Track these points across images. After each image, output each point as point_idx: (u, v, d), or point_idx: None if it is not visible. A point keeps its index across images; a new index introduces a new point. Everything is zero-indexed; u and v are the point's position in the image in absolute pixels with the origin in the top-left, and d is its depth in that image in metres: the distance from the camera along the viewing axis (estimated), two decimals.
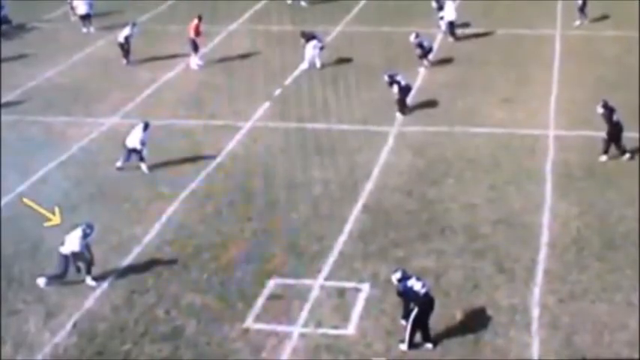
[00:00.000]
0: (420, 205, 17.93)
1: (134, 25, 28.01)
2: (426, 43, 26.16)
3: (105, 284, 15.49)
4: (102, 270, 15.80)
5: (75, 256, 15.30)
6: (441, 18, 29.31)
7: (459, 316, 14.20)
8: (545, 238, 16.48)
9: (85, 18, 31.49)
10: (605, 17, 30.14)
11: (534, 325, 13.94)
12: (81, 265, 15.46)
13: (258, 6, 33.99)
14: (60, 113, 23.83)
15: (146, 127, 19.91)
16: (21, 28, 32.48)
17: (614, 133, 19.38)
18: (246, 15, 32.88)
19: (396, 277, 13.52)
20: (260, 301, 14.82)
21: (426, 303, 13.33)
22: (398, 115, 22.42)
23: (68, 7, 33.13)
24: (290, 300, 14.84)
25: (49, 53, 29.11)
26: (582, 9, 29.56)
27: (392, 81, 22.49)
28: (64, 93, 25.47)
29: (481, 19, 30.59)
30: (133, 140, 19.78)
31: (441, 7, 29.38)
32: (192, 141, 21.67)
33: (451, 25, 28.55)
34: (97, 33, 31.20)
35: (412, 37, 26.32)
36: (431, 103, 23.34)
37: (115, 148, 20.78)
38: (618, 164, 19.40)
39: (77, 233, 15.33)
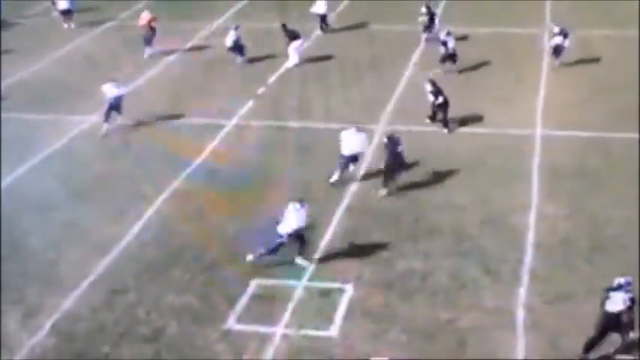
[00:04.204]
0: (406, 205, 17.77)
1: (236, 28, 26.75)
2: (450, 45, 24.95)
3: (84, 284, 15.21)
4: (81, 270, 15.52)
5: (292, 234, 15.17)
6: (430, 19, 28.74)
7: (444, 317, 14.06)
8: (531, 239, 16.37)
9: (67, 14, 31.16)
10: (595, 16, 30.00)
11: (520, 327, 13.82)
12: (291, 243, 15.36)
13: (242, 3, 33.73)
14: (40, 110, 23.48)
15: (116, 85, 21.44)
16: (1, 23, 32.02)
17: (394, 165, 18.06)
18: (230, 12, 32.61)
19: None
20: (242, 302, 14.63)
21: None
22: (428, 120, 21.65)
23: (49, 2, 32.74)
24: (273, 301, 14.65)
25: (29, 49, 28.73)
26: (558, 50, 24.99)
27: (435, 90, 21.27)
28: (44, 90, 25.11)
29: (470, 18, 30.41)
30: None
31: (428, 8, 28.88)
32: (175, 140, 21.37)
33: (322, 19, 29.09)
34: (78, 29, 30.84)
35: (442, 35, 25.17)
36: (418, 103, 23.16)
37: (96, 146, 20.49)
38: (607, 166, 19.30)
39: (302, 212, 15.21)
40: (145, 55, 27.46)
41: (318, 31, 29.63)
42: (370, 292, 14.70)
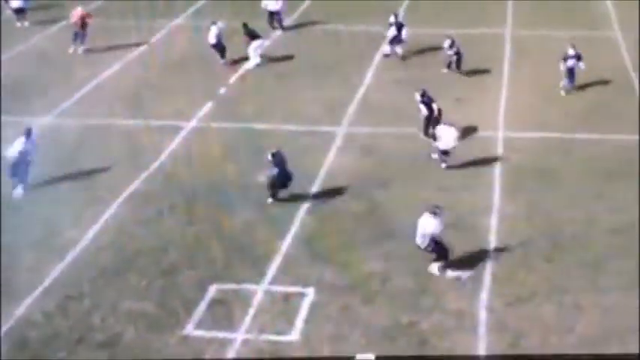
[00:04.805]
0: (368, 207, 17.65)
1: (215, 23, 26.57)
2: (462, 49, 25.02)
3: (38, 290, 14.82)
4: (35, 275, 15.13)
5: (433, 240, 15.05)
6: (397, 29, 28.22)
7: (405, 319, 13.99)
8: (493, 240, 16.38)
9: (20, 12, 30.51)
10: (557, 17, 30.17)
11: (481, 329, 13.81)
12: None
13: (201, 3, 33.39)
14: None
15: (28, 134, 18.41)
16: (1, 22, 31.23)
17: (282, 179, 18.06)
18: (190, 10, 32.31)
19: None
20: (201, 307, 14.38)
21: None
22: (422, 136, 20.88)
23: (1, 1, 32.04)
24: (232, 305, 14.42)
25: None
26: (571, 71, 23.77)
27: (422, 101, 20.82)
28: None
29: (432, 19, 30.46)
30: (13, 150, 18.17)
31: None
32: (132, 141, 20.99)
33: (273, 16, 29.19)
34: (32, 27, 30.23)
35: (446, 44, 25.11)
36: (381, 104, 23.13)
37: (50, 148, 20.01)
38: (567, 166, 19.39)
39: (437, 219, 15.04)
40: (72, 51, 27.04)
41: (279, 31, 29.45)
42: (331, 295, 14.55)
